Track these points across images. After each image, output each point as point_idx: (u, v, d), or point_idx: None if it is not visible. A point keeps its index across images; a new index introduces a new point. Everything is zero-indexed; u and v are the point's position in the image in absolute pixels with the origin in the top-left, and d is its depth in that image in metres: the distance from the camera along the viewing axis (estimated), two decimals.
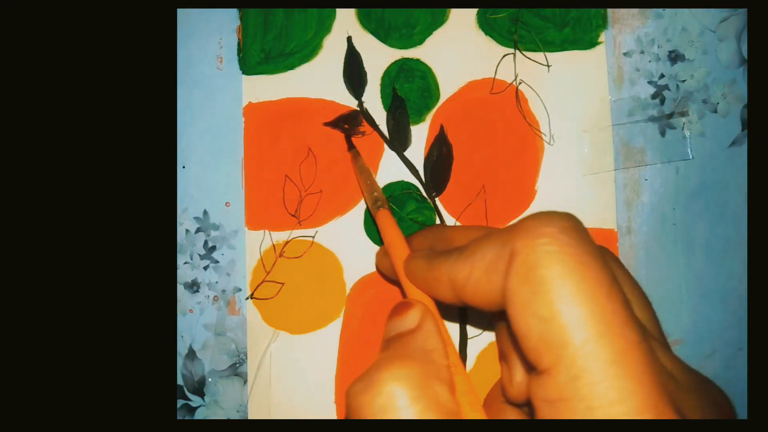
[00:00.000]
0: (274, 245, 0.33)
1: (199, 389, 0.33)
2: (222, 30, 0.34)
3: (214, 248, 0.34)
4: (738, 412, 0.19)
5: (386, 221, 0.28)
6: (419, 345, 0.22)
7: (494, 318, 0.25)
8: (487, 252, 0.21)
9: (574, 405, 0.17)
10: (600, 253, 0.19)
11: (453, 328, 0.33)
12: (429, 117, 0.34)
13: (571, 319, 0.17)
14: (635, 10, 0.34)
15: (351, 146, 0.33)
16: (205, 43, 0.34)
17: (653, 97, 0.33)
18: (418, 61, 0.34)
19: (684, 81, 0.33)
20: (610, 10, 0.34)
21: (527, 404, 0.25)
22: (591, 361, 0.17)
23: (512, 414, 0.25)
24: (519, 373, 0.24)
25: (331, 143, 0.34)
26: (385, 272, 0.30)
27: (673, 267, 0.33)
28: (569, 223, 0.19)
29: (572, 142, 0.33)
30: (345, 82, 0.34)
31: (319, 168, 0.34)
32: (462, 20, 0.34)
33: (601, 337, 0.17)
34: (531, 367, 0.19)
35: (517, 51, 0.33)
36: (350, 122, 0.33)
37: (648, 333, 0.21)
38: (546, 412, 0.18)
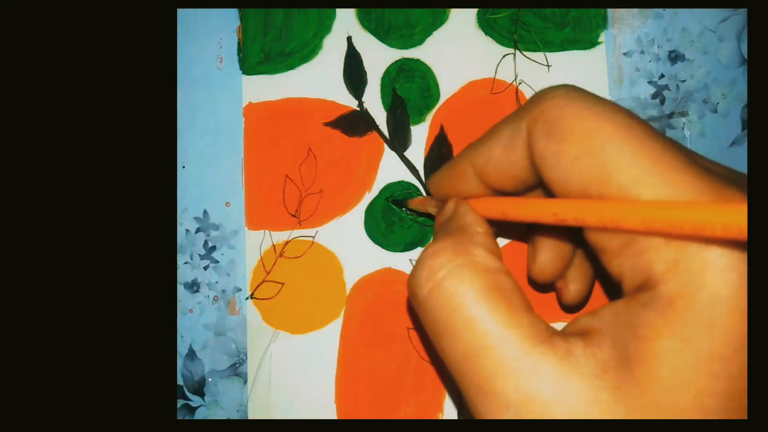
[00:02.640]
0: (274, 245, 0.33)
1: (199, 389, 0.33)
2: (222, 30, 0.34)
3: (214, 248, 0.34)
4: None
5: (425, 200, 0.30)
6: (455, 225, 0.23)
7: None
8: (503, 132, 0.22)
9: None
10: (606, 99, 0.20)
11: None
12: (429, 117, 0.34)
13: (602, 143, 0.18)
14: (635, 10, 0.34)
15: (402, 205, 0.33)
16: (205, 43, 0.34)
17: (653, 97, 0.33)
18: (418, 61, 0.34)
19: (684, 81, 0.33)
20: (610, 10, 0.34)
21: (549, 284, 0.28)
22: (634, 167, 0.17)
23: None
24: (543, 253, 0.26)
25: (331, 143, 0.34)
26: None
27: None
28: (570, 85, 0.20)
29: None
30: (345, 82, 0.34)
31: (319, 168, 0.34)
32: (462, 20, 0.34)
33: (634, 147, 0.17)
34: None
35: (517, 51, 0.33)
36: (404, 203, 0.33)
37: (678, 143, 0.21)
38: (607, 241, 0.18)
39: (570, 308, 0.31)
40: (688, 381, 0.16)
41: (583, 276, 0.27)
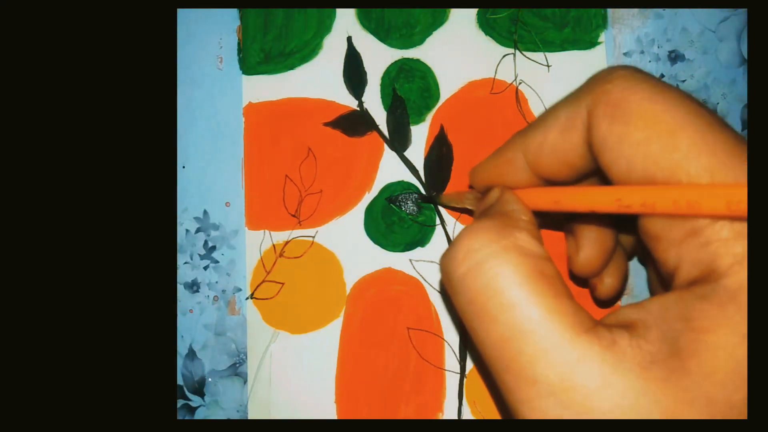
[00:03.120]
0: (274, 245, 0.33)
1: (199, 389, 0.33)
2: (222, 30, 0.34)
3: (214, 248, 0.34)
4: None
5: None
6: (497, 209, 0.22)
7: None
8: (560, 114, 0.21)
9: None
10: (670, 84, 0.19)
11: (452, 329, 0.33)
12: (429, 117, 0.34)
13: (674, 129, 0.17)
14: (635, 10, 0.34)
15: (427, 198, 0.33)
16: (205, 43, 0.34)
17: None
18: (418, 61, 0.34)
19: (684, 81, 0.33)
20: (610, 10, 0.34)
21: (589, 278, 0.27)
22: (708, 156, 0.17)
23: None
24: (587, 247, 0.25)
25: (331, 143, 0.34)
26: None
27: None
28: (632, 67, 0.20)
29: None
30: (345, 82, 0.34)
31: (319, 168, 0.34)
32: (462, 20, 0.34)
33: (707, 135, 0.17)
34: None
35: (517, 51, 0.33)
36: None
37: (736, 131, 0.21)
38: (668, 231, 0.18)
39: (604, 303, 0.30)
40: (745, 377, 0.16)
41: (619, 269, 0.27)
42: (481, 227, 0.20)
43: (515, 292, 0.19)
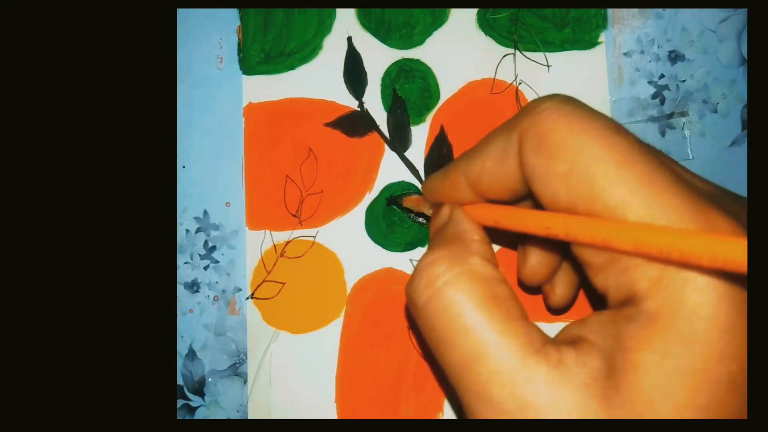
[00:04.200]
0: (274, 245, 0.33)
1: (199, 389, 0.33)
2: (222, 30, 0.34)
3: (214, 248, 0.34)
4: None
5: (419, 201, 0.30)
6: (451, 232, 0.23)
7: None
8: (496, 142, 0.22)
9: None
10: (598, 112, 0.20)
11: None
12: (429, 117, 0.34)
13: (590, 162, 0.18)
14: (635, 10, 0.34)
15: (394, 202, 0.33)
16: (205, 43, 0.34)
17: (653, 97, 0.33)
18: (418, 61, 0.34)
19: (684, 81, 0.33)
20: (610, 10, 0.34)
21: (538, 287, 0.28)
22: (620, 188, 0.17)
23: None
24: (532, 258, 0.26)
25: (332, 143, 0.34)
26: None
27: None
28: (564, 96, 0.21)
29: None
30: (345, 82, 0.34)
31: (319, 168, 0.34)
32: (462, 20, 0.34)
33: (621, 167, 0.18)
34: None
35: (517, 51, 0.33)
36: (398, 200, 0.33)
37: (667, 158, 0.22)
38: (594, 258, 0.19)
39: (556, 311, 0.31)
40: (668, 393, 0.16)
41: (569, 281, 0.28)
42: (437, 256, 0.21)
43: (470, 317, 0.20)
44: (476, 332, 0.19)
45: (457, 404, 0.32)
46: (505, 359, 0.19)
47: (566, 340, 0.19)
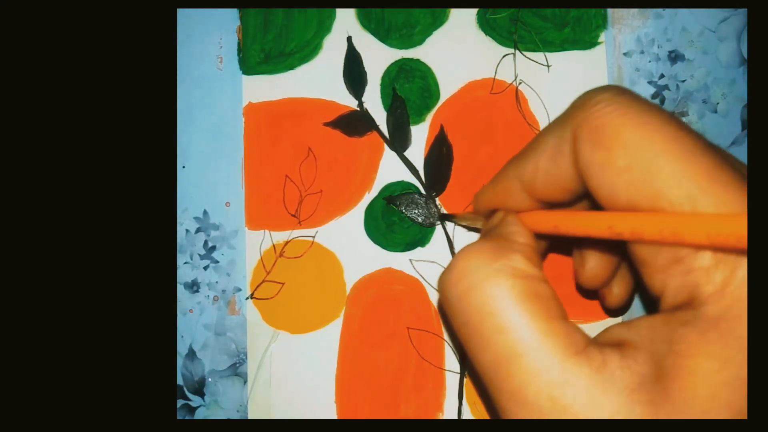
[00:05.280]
0: (274, 245, 0.33)
1: (199, 389, 0.33)
2: (222, 30, 0.34)
3: (214, 248, 0.34)
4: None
5: (473, 216, 0.29)
6: (497, 232, 0.22)
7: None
8: (548, 141, 0.21)
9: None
10: (654, 104, 0.19)
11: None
12: (429, 117, 0.34)
13: (653, 156, 0.17)
14: (635, 10, 0.34)
15: (445, 217, 0.33)
16: (205, 43, 0.34)
17: (653, 97, 0.33)
18: (418, 61, 0.34)
19: (684, 81, 0.33)
20: (610, 10, 0.34)
21: (595, 291, 0.27)
22: (687, 183, 0.17)
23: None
24: (591, 261, 0.25)
25: (331, 143, 0.34)
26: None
27: None
28: (618, 87, 0.20)
29: None
30: (345, 82, 0.34)
31: (319, 168, 0.34)
32: (462, 20, 0.34)
33: (687, 162, 0.17)
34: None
35: (517, 51, 0.33)
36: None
37: (726, 153, 0.21)
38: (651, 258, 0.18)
39: (613, 312, 0.31)
40: (725, 402, 0.16)
41: (626, 281, 0.27)
42: (477, 249, 0.20)
43: (508, 314, 0.19)
44: (514, 330, 0.18)
45: (457, 404, 0.32)
46: (543, 360, 0.18)
47: (609, 342, 0.19)
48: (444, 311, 0.21)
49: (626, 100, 0.19)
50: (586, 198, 0.22)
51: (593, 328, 0.31)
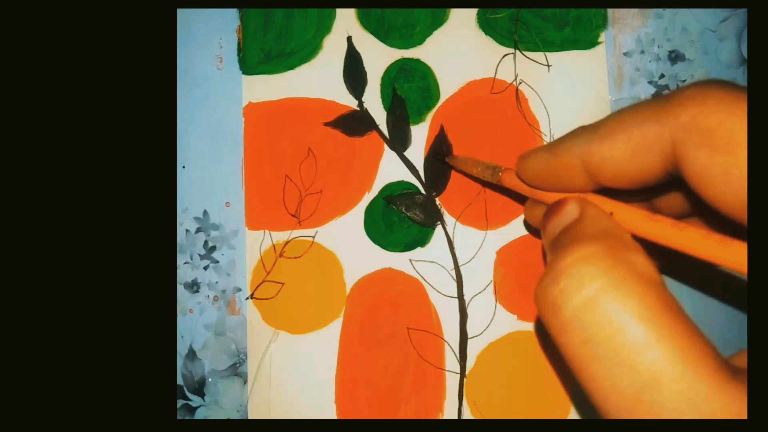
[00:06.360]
0: (274, 245, 0.33)
1: (199, 389, 0.33)
2: (222, 30, 0.34)
3: (214, 248, 0.34)
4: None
5: (515, 179, 0.26)
6: (590, 229, 0.19)
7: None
8: (632, 131, 0.19)
9: None
10: None
11: (452, 329, 0.32)
12: (429, 117, 0.34)
13: None
14: (635, 10, 0.34)
15: (444, 156, 0.32)
16: (205, 43, 0.34)
17: (653, 97, 0.33)
18: (418, 61, 0.34)
19: (684, 81, 0.33)
20: (610, 10, 0.34)
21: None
22: None
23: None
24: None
25: (331, 143, 0.34)
26: (537, 222, 0.26)
27: (673, 267, 0.33)
28: (719, 81, 0.18)
29: None
30: (345, 82, 0.34)
31: (319, 168, 0.34)
32: (462, 20, 0.34)
33: None
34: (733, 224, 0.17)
35: (517, 51, 0.33)
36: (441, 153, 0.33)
37: None
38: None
39: None
40: None
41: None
42: (590, 252, 0.17)
43: (644, 331, 0.16)
44: (654, 351, 0.16)
45: (457, 404, 0.32)
46: (697, 386, 0.15)
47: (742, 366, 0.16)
48: (549, 328, 0.18)
49: (737, 95, 0.17)
50: (647, 186, 0.20)
51: None
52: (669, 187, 0.23)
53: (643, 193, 0.22)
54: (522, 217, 0.33)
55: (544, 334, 0.32)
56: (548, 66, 0.33)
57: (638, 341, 0.16)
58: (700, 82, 0.18)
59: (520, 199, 0.33)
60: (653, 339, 0.16)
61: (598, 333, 0.16)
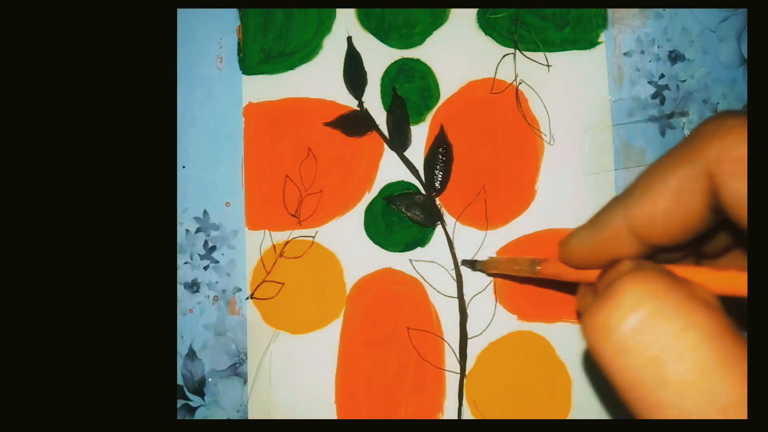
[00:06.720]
0: (274, 245, 0.33)
1: (199, 389, 0.33)
2: (222, 30, 0.34)
3: (214, 248, 0.34)
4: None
5: (557, 267, 0.25)
6: (645, 264, 0.19)
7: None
8: (668, 178, 0.19)
9: None
10: None
11: (452, 329, 0.32)
12: (429, 117, 0.34)
13: None
14: (635, 10, 0.34)
15: (474, 264, 0.32)
16: (205, 43, 0.34)
17: (653, 97, 0.33)
18: (418, 61, 0.34)
19: (684, 81, 0.33)
20: (610, 10, 0.34)
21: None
22: None
23: None
24: None
25: (331, 143, 0.34)
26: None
27: None
28: (734, 113, 0.18)
29: (572, 142, 0.33)
30: (345, 82, 0.34)
31: (319, 168, 0.34)
32: (462, 20, 0.34)
33: None
34: None
35: (517, 51, 0.33)
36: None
37: None
38: None
39: None
40: None
41: None
42: (642, 275, 0.17)
43: (713, 357, 0.15)
44: (727, 379, 0.15)
45: (457, 404, 0.32)
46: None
47: None
48: (597, 351, 0.17)
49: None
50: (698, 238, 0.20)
51: None
52: (710, 232, 0.23)
53: (691, 246, 0.21)
54: (522, 217, 0.33)
55: (554, 338, 0.32)
56: (548, 66, 0.33)
57: (708, 368, 0.15)
58: (715, 116, 0.18)
59: (521, 200, 0.33)
60: (723, 363, 0.15)
61: (658, 357, 0.16)
